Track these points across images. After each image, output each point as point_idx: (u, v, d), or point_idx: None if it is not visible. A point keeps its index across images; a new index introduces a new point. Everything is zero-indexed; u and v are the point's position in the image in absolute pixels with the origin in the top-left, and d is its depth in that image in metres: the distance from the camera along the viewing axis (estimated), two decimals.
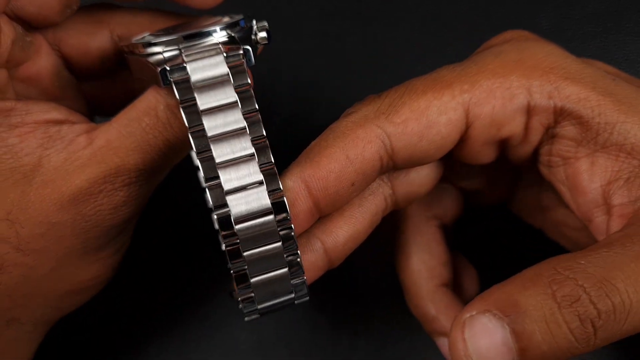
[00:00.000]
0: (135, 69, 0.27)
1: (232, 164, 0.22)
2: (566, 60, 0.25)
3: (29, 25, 0.28)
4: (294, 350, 0.33)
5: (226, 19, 0.25)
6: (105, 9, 0.30)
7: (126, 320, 0.33)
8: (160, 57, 0.24)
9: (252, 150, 0.22)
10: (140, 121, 0.25)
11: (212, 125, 0.22)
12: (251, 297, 0.24)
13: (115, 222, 0.25)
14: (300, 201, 0.24)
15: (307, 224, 0.24)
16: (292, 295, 0.24)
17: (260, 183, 0.22)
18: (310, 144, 0.24)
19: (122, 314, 0.33)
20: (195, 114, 0.22)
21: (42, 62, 0.28)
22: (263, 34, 0.24)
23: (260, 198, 0.22)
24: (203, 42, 0.24)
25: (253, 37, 0.24)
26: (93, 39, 0.29)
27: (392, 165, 0.25)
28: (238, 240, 0.22)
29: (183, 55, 0.23)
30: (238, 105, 0.23)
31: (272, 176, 0.22)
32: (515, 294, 0.21)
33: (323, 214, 0.25)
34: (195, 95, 0.22)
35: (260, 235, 0.23)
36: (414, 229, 0.30)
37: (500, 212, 0.32)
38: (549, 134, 0.25)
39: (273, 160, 0.23)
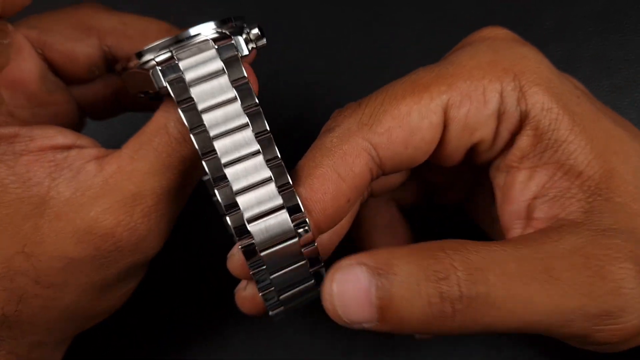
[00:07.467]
0: (132, 85, 0.26)
1: (251, 189, 0.23)
2: (539, 65, 0.25)
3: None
4: (292, 353, 0.33)
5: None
6: (95, 13, 0.28)
7: (124, 320, 0.33)
8: (152, 63, 0.23)
9: (268, 173, 0.23)
10: (151, 142, 0.24)
11: (222, 146, 0.22)
12: (271, 290, 0.24)
13: (137, 259, 0.24)
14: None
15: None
16: (313, 281, 0.24)
17: (281, 207, 0.23)
18: (298, 163, 0.24)
19: (120, 314, 0.33)
20: (195, 114, 0.23)
21: (26, 65, 0.27)
22: (255, 30, 0.24)
23: (282, 222, 0.23)
24: (193, 41, 0.23)
25: (246, 35, 0.24)
26: (80, 46, 0.28)
27: (382, 173, 0.25)
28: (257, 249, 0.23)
29: (174, 54, 0.23)
30: (238, 102, 0.23)
31: (290, 195, 0.23)
32: (397, 257, 0.21)
33: (322, 233, 0.24)
34: (192, 94, 0.23)
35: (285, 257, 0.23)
36: (374, 212, 0.30)
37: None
38: (512, 141, 0.25)
39: (290, 181, 0.23)
